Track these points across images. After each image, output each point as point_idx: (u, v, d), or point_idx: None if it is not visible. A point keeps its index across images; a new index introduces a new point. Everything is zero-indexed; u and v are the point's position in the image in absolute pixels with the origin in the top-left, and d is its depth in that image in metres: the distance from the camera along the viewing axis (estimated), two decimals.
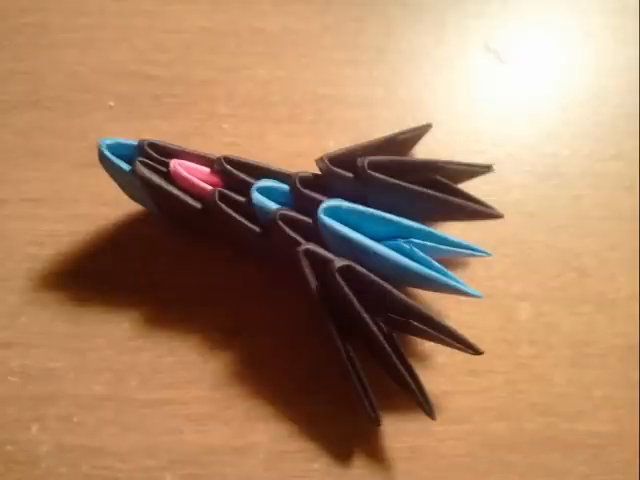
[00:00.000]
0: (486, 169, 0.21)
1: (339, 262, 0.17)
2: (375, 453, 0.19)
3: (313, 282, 0.18)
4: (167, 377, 0.20)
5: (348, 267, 0.17)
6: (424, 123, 0.22)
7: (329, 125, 0.25)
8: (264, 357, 0.20)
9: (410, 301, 0.18)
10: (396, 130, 0.21)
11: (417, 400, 0.18)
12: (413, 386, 0.18)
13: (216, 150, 0.20)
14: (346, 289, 0.17)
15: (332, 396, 0.19)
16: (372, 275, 0.18)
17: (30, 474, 0.18)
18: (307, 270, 0.18)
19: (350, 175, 0.19)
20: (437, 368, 0.20)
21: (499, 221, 0.21)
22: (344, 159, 0.19)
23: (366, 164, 0.19)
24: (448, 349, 0.18)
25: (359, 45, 0.27)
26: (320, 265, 0.18)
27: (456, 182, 0.21)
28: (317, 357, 0.20)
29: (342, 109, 0.25)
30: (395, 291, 0.18)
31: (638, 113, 0.26)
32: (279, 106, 0.25)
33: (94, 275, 0.21)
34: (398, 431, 0.19)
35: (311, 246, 0.18)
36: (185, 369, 0.20)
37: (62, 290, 0.21)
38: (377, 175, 0.19)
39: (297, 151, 0.24)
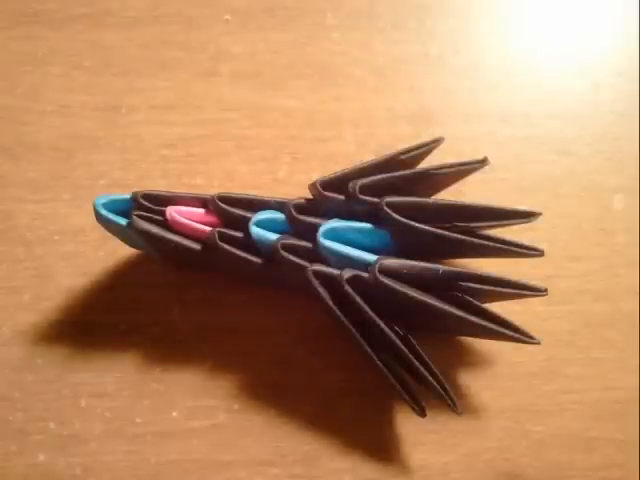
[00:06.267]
0: (480, 164, 0.21)
1: (346, 273, 0.18)
2: None
3: (328, 299, 0.18)
4: None
5: (355, 276, 0.18)
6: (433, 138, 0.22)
7: None
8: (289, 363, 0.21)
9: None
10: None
11: (441, 398, 0.19)
12: (435, 384, 0.19)
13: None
14: (357, 297, 0.18)
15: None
16: None
17: None
18: (320, 289, 0.18)
19: (341, 197, 0.19)
20: None
21: None
22: (337, 183, 0.20)
23: (357, 188, 0.19)
24: None
25: None
26: (330, 281, 0.19)
27: (452, 183, 0.22)
28: (350, 363, 0.21)
29: None
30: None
31: (638, 113, 0.26)
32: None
33: None
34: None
35: (317, 266, 0.19)
36: None
37: None
38: (366, 198, 0.19)
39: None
